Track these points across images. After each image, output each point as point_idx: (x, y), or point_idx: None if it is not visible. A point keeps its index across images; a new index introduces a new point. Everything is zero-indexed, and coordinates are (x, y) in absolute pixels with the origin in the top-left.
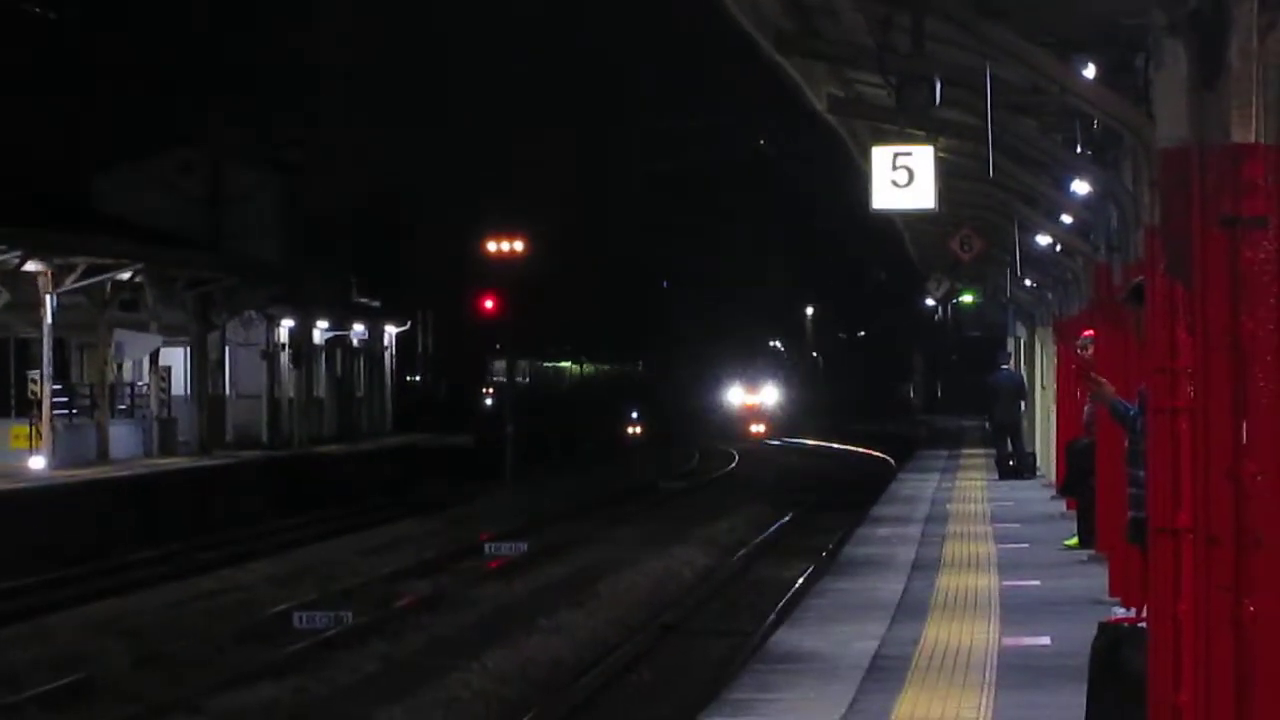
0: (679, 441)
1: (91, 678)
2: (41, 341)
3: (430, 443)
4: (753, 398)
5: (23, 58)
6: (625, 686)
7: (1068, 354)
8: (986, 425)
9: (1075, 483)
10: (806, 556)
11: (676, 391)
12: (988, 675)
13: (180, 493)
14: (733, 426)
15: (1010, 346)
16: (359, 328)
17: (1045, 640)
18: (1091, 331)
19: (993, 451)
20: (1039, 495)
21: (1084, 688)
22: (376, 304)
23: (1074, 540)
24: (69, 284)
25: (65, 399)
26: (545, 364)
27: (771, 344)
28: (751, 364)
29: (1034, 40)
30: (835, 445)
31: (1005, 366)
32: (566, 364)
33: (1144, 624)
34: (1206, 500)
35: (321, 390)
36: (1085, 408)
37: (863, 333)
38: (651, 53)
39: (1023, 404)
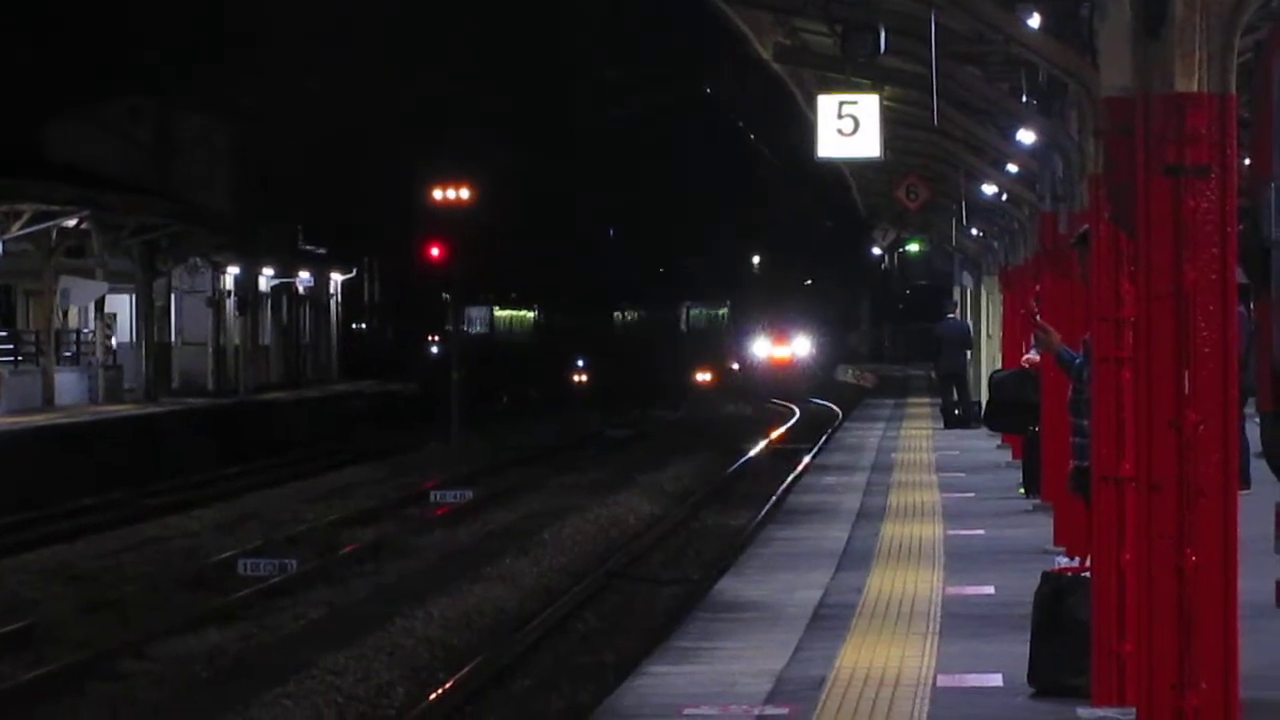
0: (625, 391)
1: (37, 624)
2: None
3: (376, 390)
4: (782, 349)
5: None
6: (570, 634)
7: (1014, 303)
8: (933, 374)
9: (993, 413)
10: (752, 504)
11: (624, 340)
12: (931, 624)
13: (126, 440)
14: (760, 385)
15: (956, 295)
16: (305, 275)
17: (989, 589)
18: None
19: (939, 400)
20: (984, 444)
21: (1028, 636)
22: (323, 251)
23: (1023, 488)
24: (15, 230)
25: (10, 346)
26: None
27: (807, 283)
28: (783, 310)
29: None
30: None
31: (951, 315)
32: (515, 312)
33: (1088, 573)
34: (1149, 449)
35: (267, 338)
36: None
37: (809, 281)
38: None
39: (969, 353)
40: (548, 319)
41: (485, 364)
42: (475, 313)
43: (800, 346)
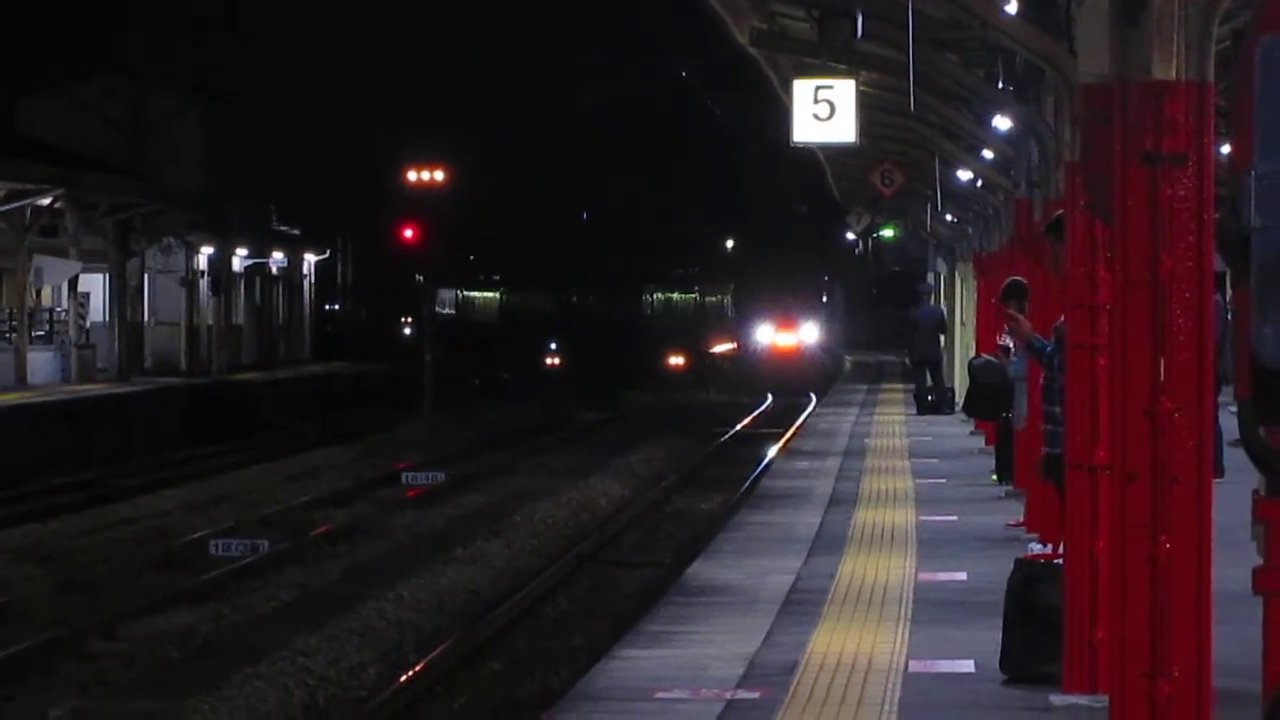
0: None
1: (9, 603)
2: None
3: (349, 371)
4: (788, 337)
5: None
6: (541, 617)
7: (988, 289)
8: (907, 360)
9: (973, 402)
10: (724, 488)
11: (598, 323)
12: (903, 610)
13: (98, 419)
14: (764, 370)
15: (931, 280)
16: (279, 256)
17: (962, 575)
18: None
19: (912, 386)
20: (958, 430)
21: (1000, 623)
22: (296, 232)
23: (995, 475)
24: None
25: None
26: (468, 294)
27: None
28: (789, 294)
29: None
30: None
31: (927, 301)
32: (489, 294)
33: (1060, 560)
34: (1124, 437)
35: (240, 318)
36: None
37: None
38: None
39: (943, 338)
40: (521, 302)
41: (458, 346)
42: (449, 295)
43: (808, 333)
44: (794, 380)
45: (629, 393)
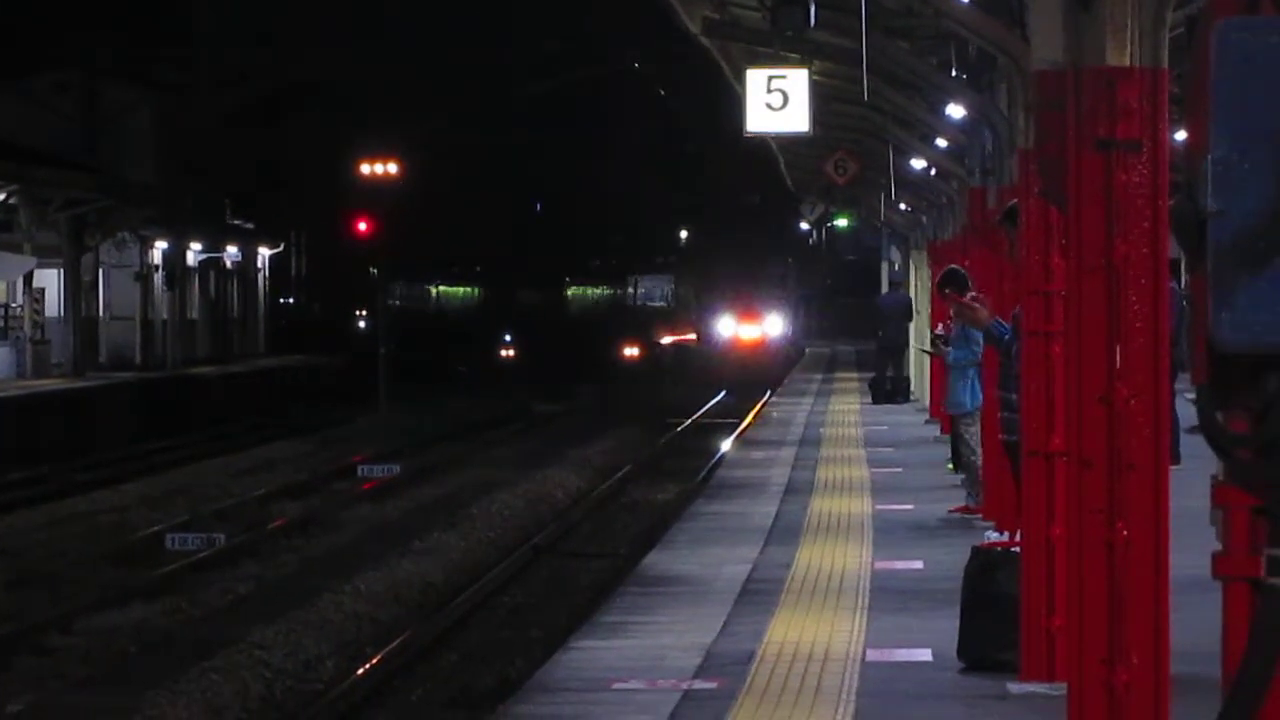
0: (552, 366)
1: None
2: None
3: (304, 365)
4: (751, 328)
5: None
6: (498, 609)
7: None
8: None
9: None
10: (680, 479)
11: (553, 315)
12: (860, 599)
13: (54, 414)
14: (720, 363)
15: (899, 267)
16: (233, 249)
17: (918, 564)
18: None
19: (868, 375)
20: (913, 419)
21: (957, 611)
22: (250, 226)
23: (950, 463)
24: None
25: None
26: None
27: (784, 258)
28: (752, 283)
29: None
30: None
31: (896, 287)
32: (444, 287)
33: (1017, 548)
34: (1080, 424)
35: (195, 312)
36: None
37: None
38: None
39: (910, 326)
40: (475, 294)
41: (413, 339)
42: (403, 288)
43: (773, 325)
44: (757, 375)
45: (585, 384)
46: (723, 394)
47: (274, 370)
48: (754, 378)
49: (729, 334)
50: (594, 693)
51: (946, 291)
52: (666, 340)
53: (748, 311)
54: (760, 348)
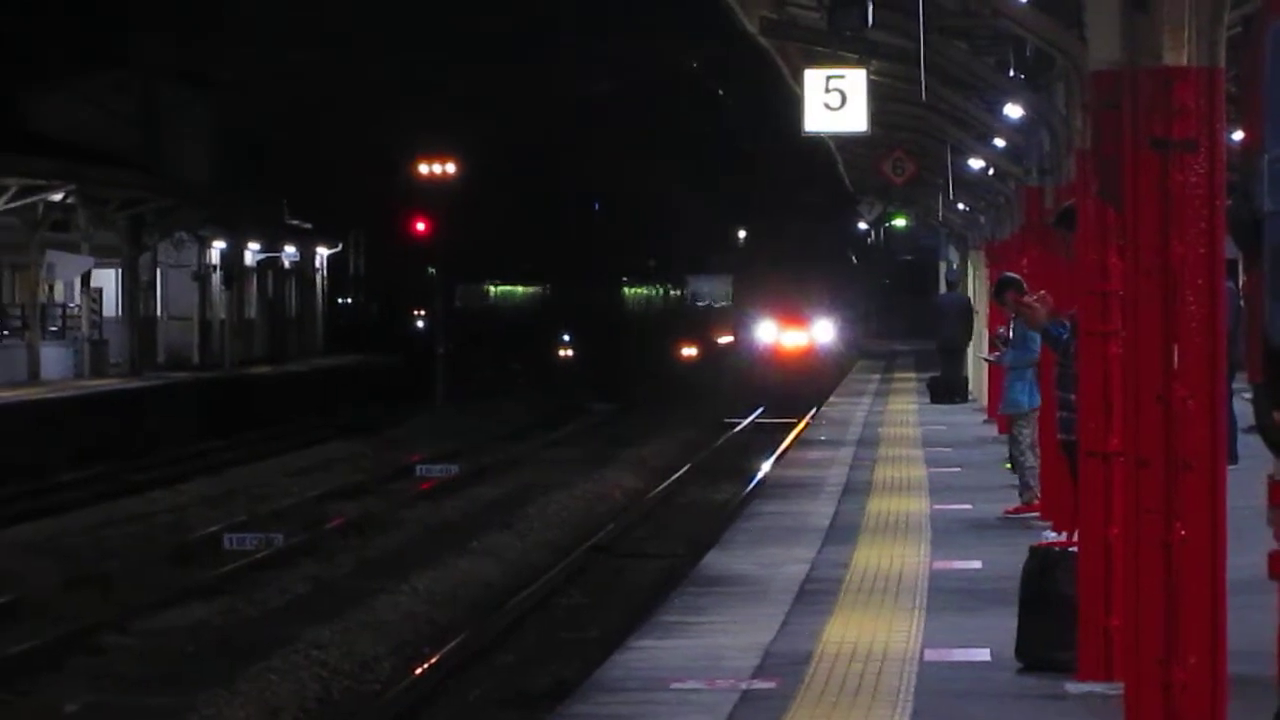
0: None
1: (21, 598)
2: None
3: (361, 364)
4: (796, 335)
5: None
6: (555, 609)
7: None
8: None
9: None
10: (737, 479)
11: (611, 315)
12: (918, 599)
13: (111, 414)
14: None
15: (956, 267)
16: (290, 249)
17: (976, 564)
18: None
19: (925, 375)
20: (971, 419)
21: (1014, 611)
22: (308, 225)
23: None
24: (0, 205)
25: None
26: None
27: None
28: (797, 283)
29: None
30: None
31: (953, 286)
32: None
33: (1075, 548)
34: (1137, 423)
35: (253, 312)
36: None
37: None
38: None
39: (968, 326)
40: (533, 293)
41: (470, 339)
42: (461, 288)
43: (822, 331)
44: (799, 390)
45: (642, 384)
46: (781, 394)
47: (331, 370)
48: (794, 396)
49: (768, 342)
50: (652, 692)
51: (1007, 295)
52: (724, 340)
53: (791, 317)
54: (806, 357)
